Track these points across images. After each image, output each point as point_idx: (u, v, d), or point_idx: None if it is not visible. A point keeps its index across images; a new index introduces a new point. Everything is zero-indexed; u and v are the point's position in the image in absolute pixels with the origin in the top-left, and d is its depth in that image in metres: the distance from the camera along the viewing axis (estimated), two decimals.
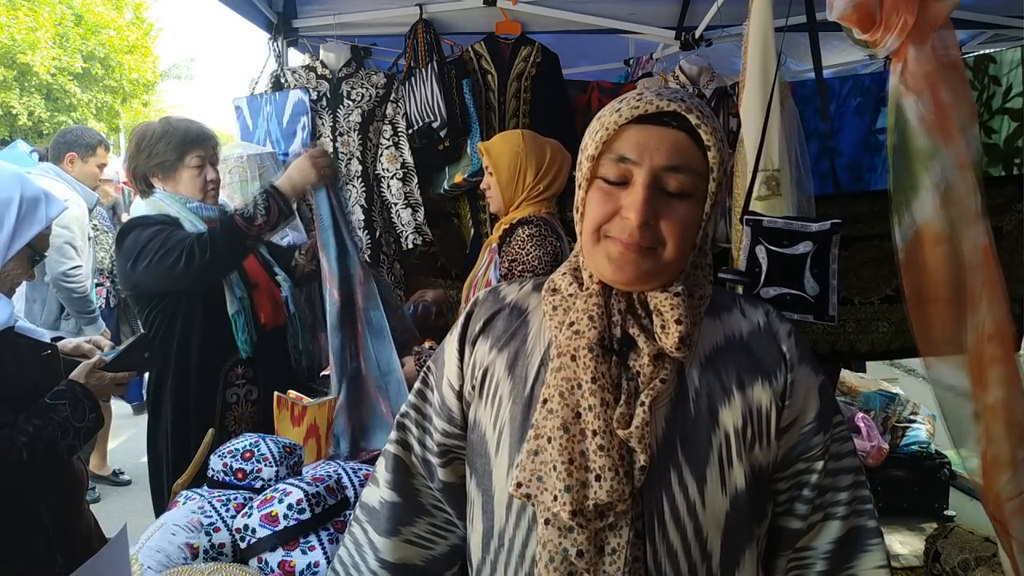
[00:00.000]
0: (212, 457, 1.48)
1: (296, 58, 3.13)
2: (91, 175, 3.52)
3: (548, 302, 0.90)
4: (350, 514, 1.12)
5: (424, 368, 1.04)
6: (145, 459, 2.08)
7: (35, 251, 1.52)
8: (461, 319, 0.98)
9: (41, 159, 3.77)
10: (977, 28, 3.12)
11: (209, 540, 1.26)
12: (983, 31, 3.21)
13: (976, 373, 1.40)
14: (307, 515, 1.25)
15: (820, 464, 0.89)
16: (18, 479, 1.36)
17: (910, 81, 1.42)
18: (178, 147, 1.99)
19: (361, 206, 2.80)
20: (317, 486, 1.31)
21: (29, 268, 1.54)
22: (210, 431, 1.68)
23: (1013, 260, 2.44)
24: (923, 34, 1.40)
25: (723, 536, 0.83)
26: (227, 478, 1.44)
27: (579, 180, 0.88)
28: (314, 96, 2.78)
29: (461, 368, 0.95)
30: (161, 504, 1.99)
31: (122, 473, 4.00)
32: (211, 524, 1.29)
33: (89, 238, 3.49)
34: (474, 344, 0.94)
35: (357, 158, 2.79)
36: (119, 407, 4.42)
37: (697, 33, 2.93)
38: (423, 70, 2.74)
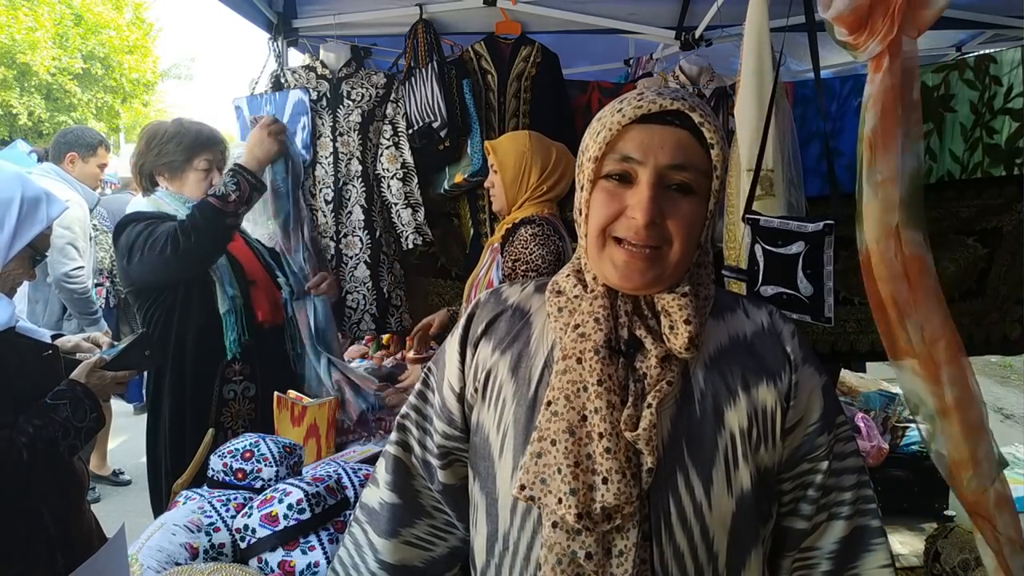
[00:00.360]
0: (212, 457, 1.48)
1: (296, 58, 3.14)
2: (92, 175, 3.53)
3: (553, 304, 0.89)
4: (350, 514, 1.12)
5: (424, 369, 1.03)
6: (145, 459, 2.08)
7: (36, 251, 1.53)
8: (462, 321, 0.97)
9: (40, 159, 3.77)
10: (977, 28, 3.12)
11: (209, 540, 1.26)
12: (983, 31, 3.20)
13: (932, 374, 1.44)
14: (307, 515, 1.25)
15: (825, 464, 0.89)
16: (19, 479, 1.36)
17: (875, 93, 1.43)
18: (188, 149, 2.01)
19: (361, 206, 2.80)
20: (317, 486, 1.31)
21: (30, 268, 1.54)
22: (210, 431, 1.68)
23: (1013, 260, 2.44)
24: (902, 45, 1.40)
25: (729, 537, 0.83)
26: (227, 478, 1.44)
27: (581, 181, 0.87)
28: (314, 96, 2.78)
29: (462, 370, 0.95)
30: (159, 502, 1.99)
31: (122, 473, 4.00)
32: (211, 524, 1.29)
33: (90, 238, 3.50)
34: (476, 346, 0.94)
35: (357, 158, 2.79)
36: (119, 407, 4.42)
37: (697, 33, 2.92)
38: (423, 70, 2.74)
